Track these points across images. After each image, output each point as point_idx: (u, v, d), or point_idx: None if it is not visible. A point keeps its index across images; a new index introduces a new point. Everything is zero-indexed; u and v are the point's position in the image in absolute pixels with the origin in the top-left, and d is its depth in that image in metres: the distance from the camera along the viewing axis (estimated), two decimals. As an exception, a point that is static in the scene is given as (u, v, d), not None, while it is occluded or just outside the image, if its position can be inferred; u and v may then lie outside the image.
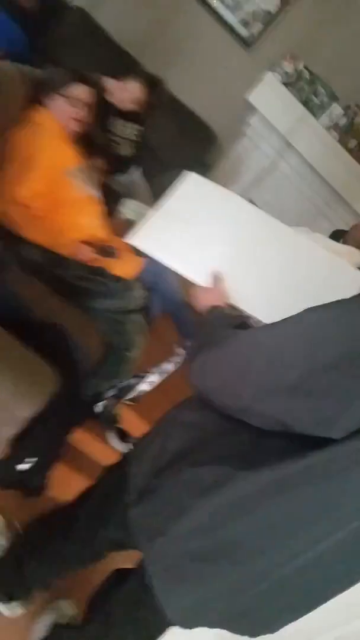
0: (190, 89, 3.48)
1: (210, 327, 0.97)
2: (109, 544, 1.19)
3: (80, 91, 1.94)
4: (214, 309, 0.99)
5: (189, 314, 2.16)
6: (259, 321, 0.93)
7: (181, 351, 1.83)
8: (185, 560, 0.82)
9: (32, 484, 1.49)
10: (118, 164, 2.67)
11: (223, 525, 0.78)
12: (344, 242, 1.70)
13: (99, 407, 1.96)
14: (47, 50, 3.25)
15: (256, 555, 0.78)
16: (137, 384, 1.97)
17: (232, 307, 0.99)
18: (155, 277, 2.03)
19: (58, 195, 1.89)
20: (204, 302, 1.01)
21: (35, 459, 1.35)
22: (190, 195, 1.06)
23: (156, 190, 3.11)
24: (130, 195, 2.83)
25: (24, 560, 1.31)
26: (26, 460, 1.34)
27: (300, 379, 0.72)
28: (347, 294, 0.75)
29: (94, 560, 1.27)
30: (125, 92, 2.47)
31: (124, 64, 3.38)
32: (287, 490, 0.73)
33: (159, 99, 2.57)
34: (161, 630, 1.03)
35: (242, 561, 0.79)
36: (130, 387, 2.04)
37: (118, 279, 1.91)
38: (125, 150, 2.73)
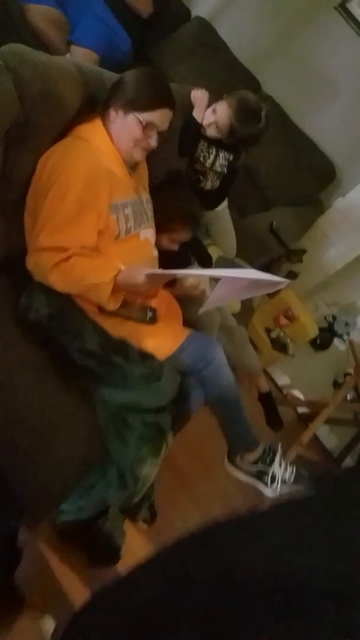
0: (310, 112, 2.88)
1: None
2: None
3: (164, 118, 1.47)
4: None
5: (244, 416, 1.55)
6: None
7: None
8: None
9: None
10: (202, 200, 2.15)
11: None
12: None
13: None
14: (153, 58, 2.89)
15: None
16: None
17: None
18: (201, 359, 1.46)
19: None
20: None
21: None
22: None
23: (249, 230, 2.56)
24: (209, 231, 2.31)
25: None
26: None
27: None
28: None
29: None
30: (213, 115, 1.94)
31: (239, 80, 2.91)
32: None
33: (258, 132, 1.98)
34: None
35: None
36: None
37: (145, 359, 1.38)
38: (211, 184, 2.18)
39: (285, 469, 1.61)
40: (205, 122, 1.95)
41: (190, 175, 2.11)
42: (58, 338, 1.34)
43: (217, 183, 2.17)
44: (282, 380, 2.89)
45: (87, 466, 1.31)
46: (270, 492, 1.60)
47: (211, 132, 1.97)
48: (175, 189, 1.86)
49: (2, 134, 1.27)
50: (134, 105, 1.42)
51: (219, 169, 2.12)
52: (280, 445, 1.65)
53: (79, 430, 1.29)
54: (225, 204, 2.27)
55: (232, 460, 1.64)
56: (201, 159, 2.07)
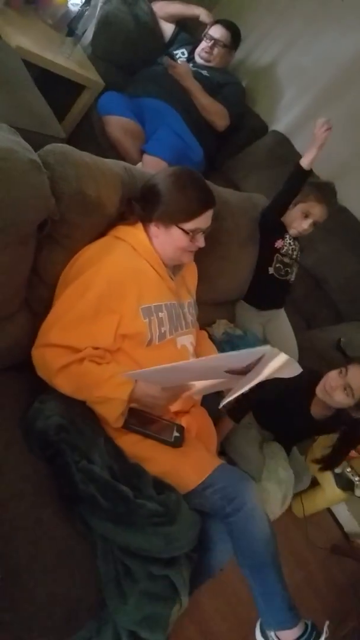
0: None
1: None
2: None
3: (208, 219, 1.36)
4: None
5: (279, 582, 1.21)
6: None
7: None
8: None
9: None
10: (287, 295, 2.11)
11: None
12: None
13: None
14: (226, 169, 2.93)
15: None
16: None
17: None
18: (230, 500, 1.18)
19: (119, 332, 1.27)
20: None
21: None
22: None
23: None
24: (265, 329, 2.11)
25: None
26: None
27: None
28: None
29: None
30: (310, 217, 1.98)
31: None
32: None
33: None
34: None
35: None
36: None
37: (161, 492, 1.13)
38: (294, 276, 2.11)
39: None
40: (300, 227, 1.99)
41: (280, 269, 2.03)
42: (64, 453, 1.15)
43: (295, 274, 2.12)
44: (350, 525, 2.41)
45: (74, 620, 1.04)
46: None
47: (296, 231, 2.01)
48: None
49: (33, 230, 1.21)
50: (175, 219, 1.31)
51: (299, 260, 2.11)
52: (327, 624, 1.26)
53: (70, 573, 1.05)
54: None
55: (264, 634, 1.27)
56: (290, 251, 2.04)
